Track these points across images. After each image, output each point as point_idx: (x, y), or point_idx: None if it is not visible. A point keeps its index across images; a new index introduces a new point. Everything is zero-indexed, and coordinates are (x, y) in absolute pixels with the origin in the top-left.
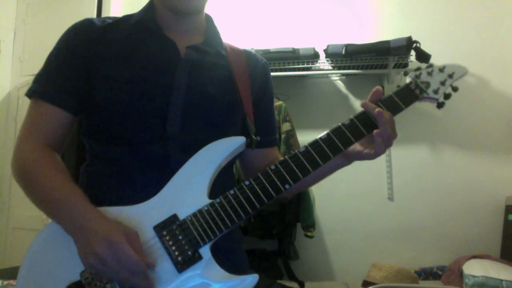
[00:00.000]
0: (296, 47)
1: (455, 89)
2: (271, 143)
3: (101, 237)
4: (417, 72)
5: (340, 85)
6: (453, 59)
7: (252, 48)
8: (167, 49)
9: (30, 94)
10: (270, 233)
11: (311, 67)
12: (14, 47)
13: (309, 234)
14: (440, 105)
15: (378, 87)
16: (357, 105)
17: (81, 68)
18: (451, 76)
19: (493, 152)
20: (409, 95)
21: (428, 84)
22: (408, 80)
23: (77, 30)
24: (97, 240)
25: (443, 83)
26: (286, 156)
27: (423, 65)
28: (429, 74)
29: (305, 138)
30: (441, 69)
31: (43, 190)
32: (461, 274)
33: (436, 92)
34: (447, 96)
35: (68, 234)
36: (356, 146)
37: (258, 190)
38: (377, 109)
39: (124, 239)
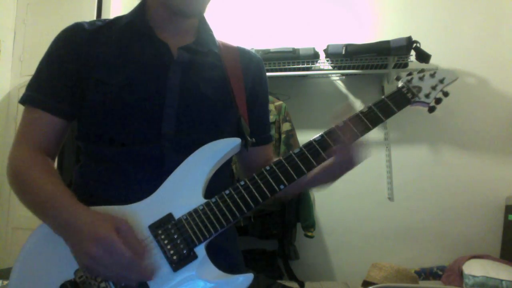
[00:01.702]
0: (296, 47)
1: (445, 94)
2: (266, 141)
3: (90, 236)
4: (409, 77)
5: (340, 85)
6: (453, 59)
7: (252, 48)
8: (159, 51)
9: (23, 101)
10: (270, 233)
11: (311, 67)
12: (14, 47)
13: (309, 234)
14: (431, 109)
15: (347, 103)
16: (357, 105)
17: (72, 73)
18: (442, 81)
19: (493, 152)
20: (401, 98)
21: (419, 89)
22: (400, 84)
23: (67, 35)
24: (87, 239)
25: (434, 88)
26: (281, 157)
27: (418, 68)
28: (421, 79)
29: (305, 138)
30: (432, 74)
31: (32, 192)
32: (461, 274)
33: (427, 96)
34: (438, 101)
35: (58, 235)
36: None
37: (253, 190)
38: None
39: (114, 234)
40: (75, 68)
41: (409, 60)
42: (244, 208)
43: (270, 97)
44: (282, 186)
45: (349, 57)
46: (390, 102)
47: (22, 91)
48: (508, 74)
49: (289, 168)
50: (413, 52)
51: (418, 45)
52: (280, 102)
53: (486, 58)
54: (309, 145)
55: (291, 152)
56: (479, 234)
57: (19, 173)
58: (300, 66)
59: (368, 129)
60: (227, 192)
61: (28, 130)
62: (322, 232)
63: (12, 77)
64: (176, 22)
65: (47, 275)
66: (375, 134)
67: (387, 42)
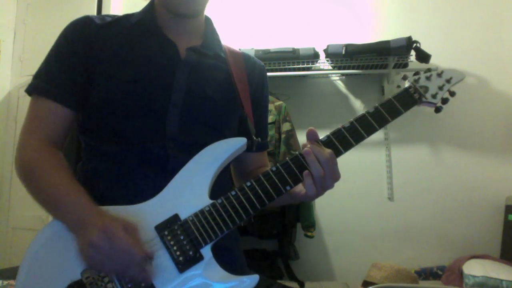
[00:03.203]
0: (296, 47)
1: (452, 94)
2: (264, 147)
3: (99, 229)
4: (416, 77)
5: (340, 85)
6: (453, 59)
7: (252, 48)
8: (167, 50)
9: (31, 90)
10: (270, 233)
11: (311, 67)
12: (14, 47)
13: (309, 234)
14: (438, 110)
15: (310, 128)
16: (357, 105)
17: (81, 64)
18: (449, 81)
19: (493, 152)
20: (408, 99)
21: (426, 89)
22: (407, 84)
23: (76, 26)
24: (94, 231)
25: (441, 88)
26: (287, 158)
27: (422, 69)
28: (428, 78)
29: (305, 138)
30: (439, 74)
31: (44, 187)
32: (461, 274)
33: (434, 96)
34: (444, 101)
35: (69, 231)
36: (297, 187)
37: (259, 191)
38: (305, 149)
39: (121, 231)
40: (83, 60)
41: (409, 60)
42: (249, 210)
43: (270, 97)
44: (288, 187)
45: (349, 57)
46: (397, 102)
47: (22, 91)
48: (508, 74)
49: (295, 169)
50: (413, 52)
51: (418, 45)
52: (280, 102)
53: (486, 58)
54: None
55: (297, 152)
56: (479, 234)
57: (30, 167)
58: (300, 66)
59: (374, 130)
60: (232, 193)
61: (37, 121)
62: (322, 232)
63: (12, 77)
64: (180, 23)
65: (53, 276)
66: (375, 134)
67: (387, 42)
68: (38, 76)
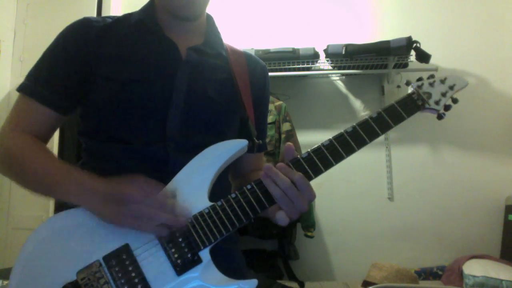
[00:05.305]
0: (296, 47)
1: (455, 100)
2: (262, 148)
3: (120, 181)
4: (419, 83)
5: (340, 85)
6: (453, 59)
7: (252, 48)
8: (167, 50)
9: (20, 89)
10: (270, 233)
11: (311, 67)
12: (14, 47)
13: (309, 234)
14: (440, 116)
15: (288, 143)
16: (357, 105)
17: (76, 68)
18: (452, 88)
19: (493, 152)
20: (411, 105)
21: (429, 95)
22: (410, 90)
23: (75, 29)
24: (117, 184)
25: (444, 95)
26: (288, 162)
27: (422, 69)
28: (431, 85)
29: (305, 138)
30: (443, 80)
31: (36, 169)
32: (461, 274)
33: (437, 103)
34: (447, 108)
35: (77, 203)
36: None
37: (259, 194)
38: (262, 172)
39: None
40: (82, 64)
41: (409, 60)
42: (250, 212)
43: (270, 97)
44: None
45: (349, 57)
46: (400, 108)
47: None
48: (508, 74)
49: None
50: (413, 52)
51: (418, 45)
52: (280, 102)
53: (486, 58)
54: (318, 149)
55: (299, 156)
56: (479, 234)
57: (13, 154)
58: (300, 66)
59: (376, 135)
60: (233, 195)
61: (21, 118)
62: (322, 232)
63: (12, 77)
64: (182, 23)
65: (48, 276)
66: None
67: (387, 42)
68: (29, 76)
